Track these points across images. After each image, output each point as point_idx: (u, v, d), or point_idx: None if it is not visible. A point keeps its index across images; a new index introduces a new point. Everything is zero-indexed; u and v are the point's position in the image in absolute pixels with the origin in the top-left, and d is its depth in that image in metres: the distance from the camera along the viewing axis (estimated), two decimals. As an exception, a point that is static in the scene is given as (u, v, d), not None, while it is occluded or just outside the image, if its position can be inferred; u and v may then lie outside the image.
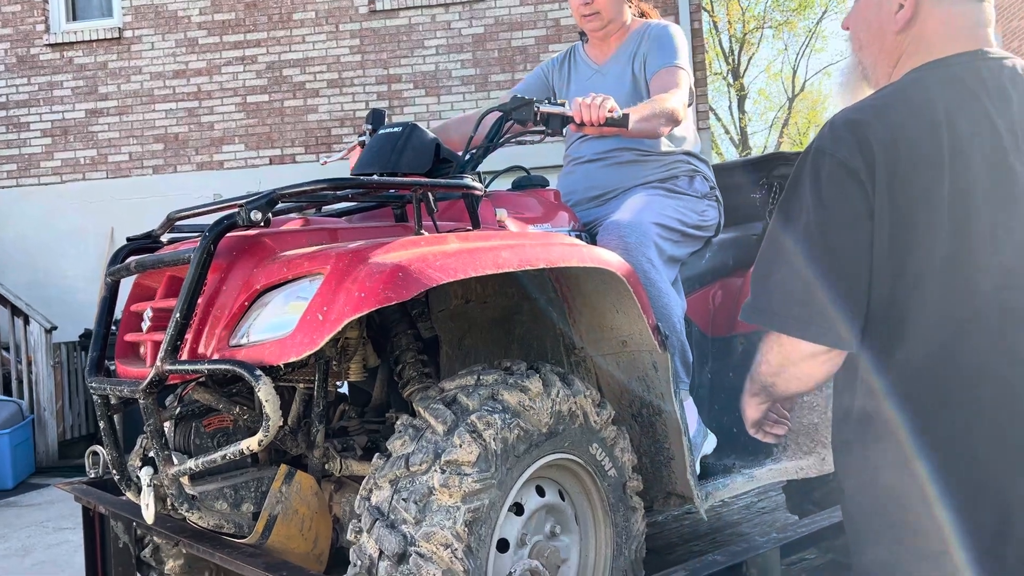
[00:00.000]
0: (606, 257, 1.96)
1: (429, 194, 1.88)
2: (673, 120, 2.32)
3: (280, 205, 1.92)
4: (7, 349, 6.95)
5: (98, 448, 2.51)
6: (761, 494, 3.77)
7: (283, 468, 1.94)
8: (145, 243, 2.20)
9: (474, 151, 2.24)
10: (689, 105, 2.46)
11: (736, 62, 25.55)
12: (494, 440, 1.67)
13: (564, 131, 2.24)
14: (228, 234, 1.79)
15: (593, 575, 1.96)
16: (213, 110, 8.58)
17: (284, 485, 1.92)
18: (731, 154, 25.45)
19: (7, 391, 6.88)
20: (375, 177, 1.89)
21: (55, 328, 7.01)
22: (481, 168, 2.31)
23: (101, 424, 2.06)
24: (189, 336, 1.76)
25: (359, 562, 1.65)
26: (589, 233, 2.43)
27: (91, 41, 8.68)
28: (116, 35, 8.65)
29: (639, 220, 2.32)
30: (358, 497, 1.72)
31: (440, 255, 1.68)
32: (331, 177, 1.80)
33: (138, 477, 1.92)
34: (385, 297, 1.56)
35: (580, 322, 2.19)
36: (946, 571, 1.31)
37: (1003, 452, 1.28)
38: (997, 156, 1.31)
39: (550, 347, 2.31)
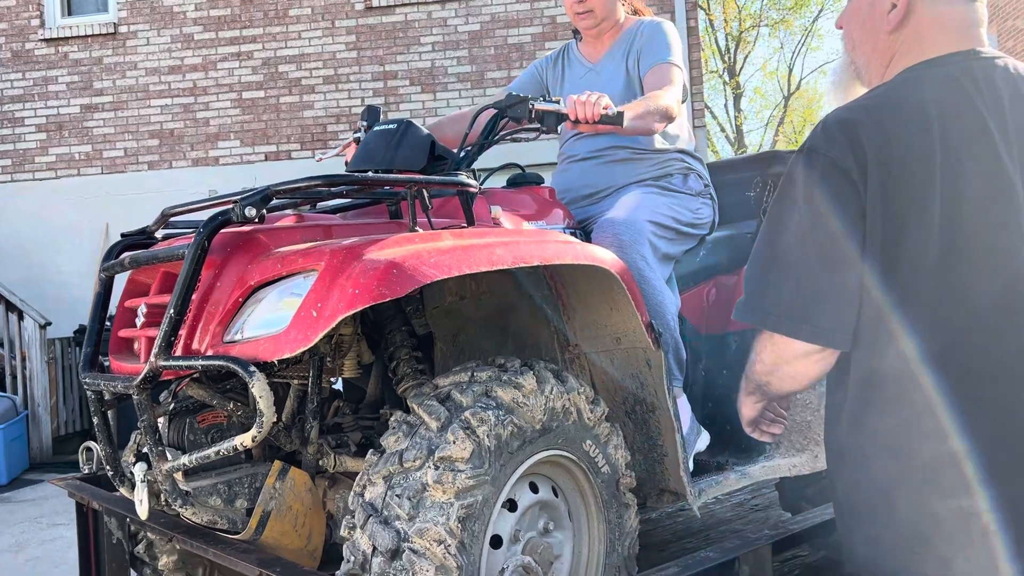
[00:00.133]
0: (600, 254, 1.97)
1: (424, 191, 1.89)
2: (667, 117, 2.33)
3: (275, 201, 1.92)
4: (1, 345, 6.94)
5: (92, 444, 2.51)
6: (755, 491, 3.78)
7: (277, 464, 1.95)
8: (139, 239, 2.20)
9: (469, 148, 2.24)
10: (683, 102, 2.47)
11: (732, 60, 25.57)
12: (488, 437, 1.68)
13: (559, 129, 2.24)
14: (222, 230, 1.79)
15: (586, 571, 1.96)
16: (209, 106, 8.57)
17: (278, 481, 1.92)
18: (727, 152, 25.48)
19: (1, 387, 6.87)
20: (370, 174, 1.89)
21: (49, 324, 7.00)
22: (476, 165, 2.32)
23: (95, 420, 2.06)
24: (183, 332, 1.76)
25: (352, 558, 1.66)
26: (584, 231, 2.43)
27: (86, 36, 8.66)
28: (111, 30, 8.63)
29: (633, 218, 2.32)
30: (352, 493, 1.73)
31: (434, 252, 1.69)
32: (326, 173, 1.80)
33: (132, 473, 1.92)
34: (379, 294, 1.56)
35: (574, 319, 2.19)
36: (938, 568, 1.32)
37: (1005, 449, 1.29)
38: (989, 156, 1.32)
39: (544, 344, 2.31)
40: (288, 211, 2.10)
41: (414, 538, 1.59)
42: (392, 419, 1.78)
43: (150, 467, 1.84)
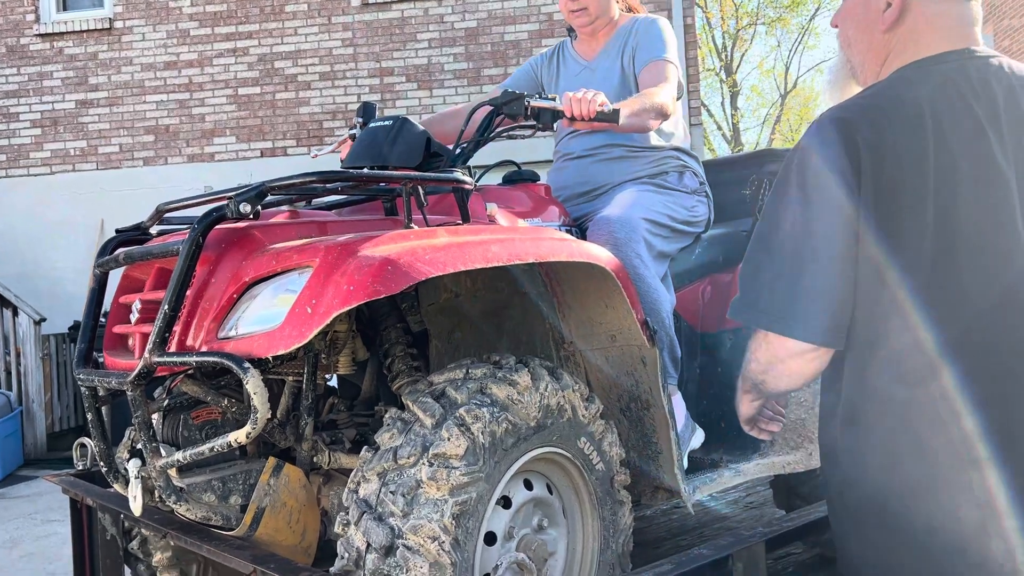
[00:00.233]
0: (595, 252, 1.97)
1: (419, 188, 1.88)
2: (662, 114, 2.33)
3: (270, 198, 1.92)
4: (-5, 341, 6.92)
5: (86, 440, 2.51)
6: (749, 489, 3.78)
7: (271, 461, 1.94)
8: (134, 235, 2.19)
9: (464, 145, 2.24)
10: (678, 99, 2.47)
11: (729, 58, 25.58)
12: (482, 433, 1.68)
13: (555, 126, 2.24)
14: (217, 226, 1.78)
15: (580, 568, 1.97)
16: (204, 102, 8.55)
17: (272, 478, 1.92)
18: (723, 150, 25.49)
19: (-5, 383, 6.86)
20: (365, 170, 1.89)
21: (44, 320, 6.98)
22: (471, 163, 2.31)
23: (89, 416, 2.06)
24: (177, 328, 1.76)
25: (346, 554, 1.66)
26: (579, 228, 2.43)
27: (81, 31, 8.63)
28: (107, 26, 8.61)
29: (628, 216, 2.32)
30: (346, 490, 1.73)
31: (430, 249, 1.68)
32: (321, 170, 1.80)
33: (126, 469, 1.92)
34: (374, 290, 1.56)
35: (570, 317, 2.19)
36: (932, 564, 1.33)
37: (1002, 447, 1.29)
38: (984, 155, 1.32)
39: (540, 341, 2.31)
40: (283, 208, 2.10)
41: (408, 535, 1.59)
42: (387, 416, 1.78)
43: (144, 463, 1.84)
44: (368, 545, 1.62)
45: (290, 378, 2.03)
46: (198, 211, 1.83)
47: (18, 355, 6.85)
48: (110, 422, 2.15)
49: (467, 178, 2.00)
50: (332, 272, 1.60)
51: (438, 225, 1.90)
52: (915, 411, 1.33)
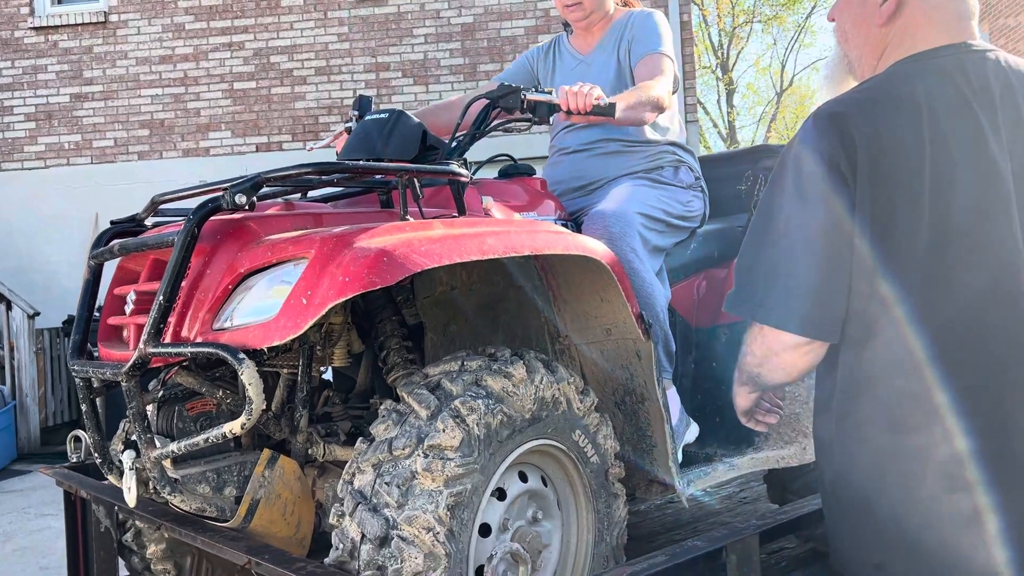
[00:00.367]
0: (591, 245, 1.97)
1: (415, 180, 1.88)
2: (658, 107, 2.33)
3: (265, 190, 1.92)
4: (-11, 334, 6.90)
5: (80, 433, 2.50)
6: (743, 484, 3.79)
7: (266, 452, 1.94)
8: (129, 226, 2.19)
9: (460, 138, 2.24)
10: (674, 92, 2.47)
11: (725, 56, 25.59)
12: (477, 425, 1.68)
13: (551, 120, 2.24)
14: (212, 217, 1.78)
15: (574, 561, 1.97)
16: (199, 96, 8.53)
17: (267, 469, 1.92)
18: (719, 148, 25.53)
19: (-11, 377, 6.84)
20: (361, 162, 1.88)
21: (38, 314, 6.96)
22: (467, 157, 2.31)
23: (83, 407, 2.05)
24: (172, 319, 1.76)
25: (341, 545, 1.66)
26: (575, 222, 2.44)
27: (76, 25, 8.60)
28: (102, 19, 8.57)
29: (624, 210, 2.33)
30: (341, 481, 1.73)
31: (425, 240, 1.68)
32: (316, 161, 1.80)
33: (120, 461, 1.92)
34: (369, 281, 1.56)
35: (565, 310, 2.20)
36: (923, 558, 1.33)
37: (995, 440, 1.30)
38: (979, 149, 1.32)
39: (535, 335, 2.31)
40: (279, 200, 2.10)
41: (403, 526, 1.59)
42: (382, 407, 1.78)
43: (139, 455, 1.84)
44: (363, 536, 1.62)
45: (285, 370, 2.03)
46: (193, 202, 1.82)
47: (12, 349, 6.83)
48: (104, 415, 2.14)
49: (463, 170, 2.00)
50: (327, 263, 1.60)
51: (434, 218, 1.89)
52: (908, 404, 1.33)
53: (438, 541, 1.59)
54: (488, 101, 2.22)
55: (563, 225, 2.32)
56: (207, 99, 8.50)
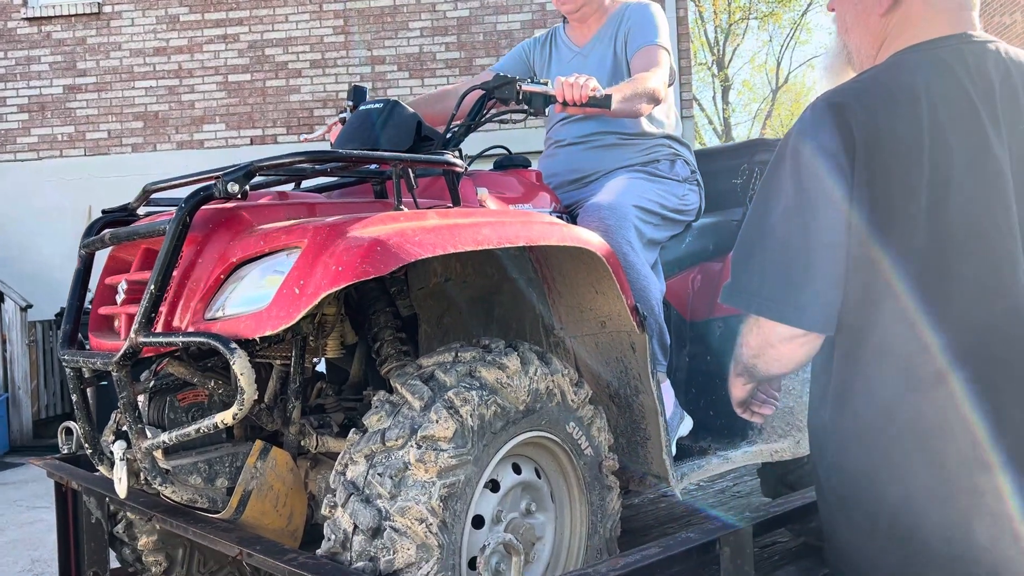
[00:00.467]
0: (586, 236, 1.96)
1: (409, 170, 1.87)
2: (654, 99, 2.32)
3: (259, 180, 1.90)
4: (-19, 327, 6.87)
5: (71, 424, 2.49)
6: (736, 479, 3.79)
7: (258, 444, 1.93)
8: (121, 216, 2.17)
9: (455, 128, 2.22)
10: (670, 85, 2.46)
11: (721, 53, 25.59)
12: (471, 416, 1.67)
13: (547, 111, 2.23)
14: (205, 206, 1.77)
15: (568, 553, 1.96)
16: (194, 88, 8.49)
17: (259, 461, 1.91)
18: (714, 144, 25.53)
19: (-19, 369, 6.81)
20: (355, 151, 1.87)
21: (30, 306, 6.93)
22: (461, 149, 2.30)
23: (74, 398, 2.04)
24: (164, 309, 1.74)
25: (333, 536, 1.65)
26: (570, 215, 2.43)
27: (70, 16, 8.55)
28: (95, 10, 8.53)
29: (619, 202, 2.32)
30: (333, 472, 1.72)
31: (420, 230, 1.67)
32: (310, 149, 1.78)
33: (111, 451, 1.90)
34: (363, 271, 1.55)
35: (559, 303, 2.19)
36: (917, 552, 1.33)
37: (991, 433, 1.29)
38: (977, 142, 1.32)
39: (529, 327, 2.31)
40: (272, 190, 2.08)
41: (395, 516, 1.58)
42: (375, 398, 1.77)
43: (129, 445, 1.82)
44: (355, 527, 1.61)
45: (278, 361, 2.02)
46: (186, 192, 1.81)
47: (4, 342, 6.80)
48: (96, 407, 2.13)
49: (458, 160, 1.99)
50: (320, 253, 1.59)
51: (428, 208, 1.88)
52: (904, 395, 1.33)
53: (431, 532, 1.58)
54: (483, 92, 2.21)
55: (558, 217, 2.31)
56: (201, 91, 8.47)
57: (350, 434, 1.74)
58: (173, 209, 1.96)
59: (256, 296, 1.66)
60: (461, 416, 1.66)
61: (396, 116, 2.20)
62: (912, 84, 1.33)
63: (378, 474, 1.62)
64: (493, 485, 1.81)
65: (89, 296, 2.15)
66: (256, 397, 1.65)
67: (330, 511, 1.68)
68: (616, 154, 2.57)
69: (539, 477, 1.93)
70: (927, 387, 1.31)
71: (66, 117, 8.56)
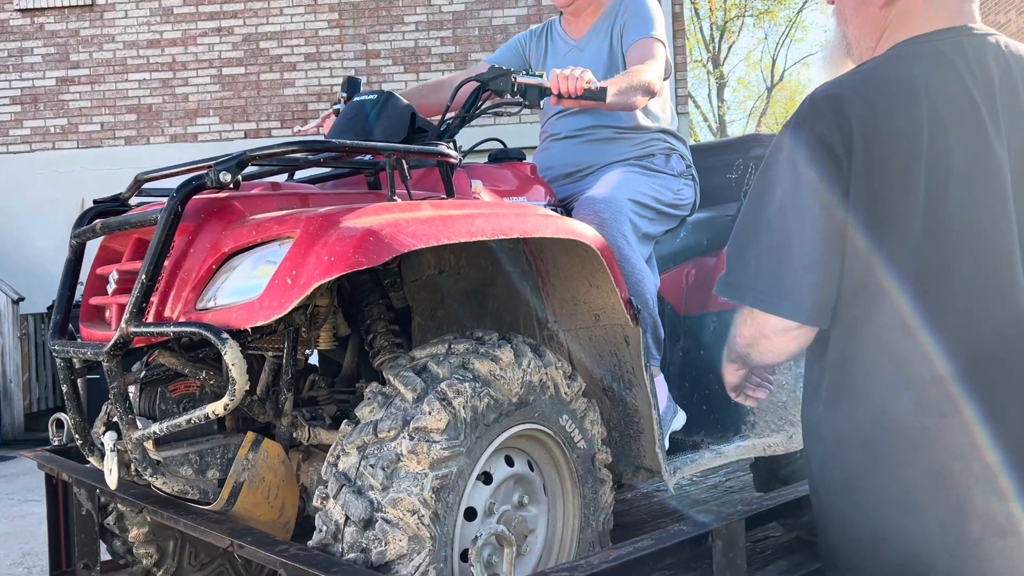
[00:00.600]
0: (580, 229, 1.96)
1: (403, 160, 1.86)
2: (649, 92, 2.32)
3: (252, 170, 1.89)
4: (-28, 319, 6.83)
5: (62, 415, 2.47)
6: (729, 474, 3.80)
7: (250, 435, 1.92)
8: (112, 206, 2.15)
9: (449, 120, 2.21)
10: (665, 78, 2.45)
11: (716, 50, 25.59)
12: (463, 408, 1.66)
13: (542, 104, 2.22)
14: (196, 196, 1.76)
15: (560, 546, 1.96)
16: (188, 81, 8.46)
17: (251, 452, 1.90)
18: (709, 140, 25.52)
19: (-28, 362, 6.77)
20: (348, 141, 1.86)
21: (22, 299, 6.90)
22: (456, 140, 2.29)
23: (64, 388, 2.02)
24: (155, 299, 1.73)
25: (325, 528, 1.64)
26: (565, 209, 2.42)
27: (63, 7, 8.50)
28: (89, 2, 8.48)
29: (614, 196, 2.31)
30: (325, 463, 1.71)
31: (413, 221, 1.66)
32: (303, 139, 1.77)
33: (102, 443, 1.89)
34: (355, 261, 1.54)
35: (553, 296, 2.18)
36: (914, 542, 1.33)
37: (985, 429, 1.29)
38: (976, 135, 1.31)
39: (523, 320, 2.30)
40: (265, 180, 2.07)
41: (387, 508, 1.57)
42: (367, 389, 1.77)
43: (120, 436, 1.81)
44: (347, 518, 1.61)
45: (270, 353, 2.01)
46: (177, 182, 1.80)
47: (-5, 334, 6.78)
48: (87, 399, 2.12)
49: (452, 151, 1.98)
50: (313, 243, 1.58)
51: (422, 199, 1.87)
52: (900, 391, 1.33)
53: (423, 524, 1.58)
54: (478, 83, 2.20)
55: (553, 210, 2.31)
56: (195, 84, 8.43)
57: (342, 425, 1.73)
58: (165, 199, 1.95)
59: (248, 286, 1.65)
60: (454, 408, 1.65)
61: (390, 107, 2.19)
62: (911, 76, 1.33)
63: (370, 465, 1.62)
64: (486, 477, 1.80)
65: (80, 287, 2.14)
66: (248, 388, 1.64)
67: (322, 502, 1.68)
68: (611, 148, 2.56)
69: (532, 470, 1.93)
70: (923, 385, 1.30)
71: (59, 109, 8.52)
